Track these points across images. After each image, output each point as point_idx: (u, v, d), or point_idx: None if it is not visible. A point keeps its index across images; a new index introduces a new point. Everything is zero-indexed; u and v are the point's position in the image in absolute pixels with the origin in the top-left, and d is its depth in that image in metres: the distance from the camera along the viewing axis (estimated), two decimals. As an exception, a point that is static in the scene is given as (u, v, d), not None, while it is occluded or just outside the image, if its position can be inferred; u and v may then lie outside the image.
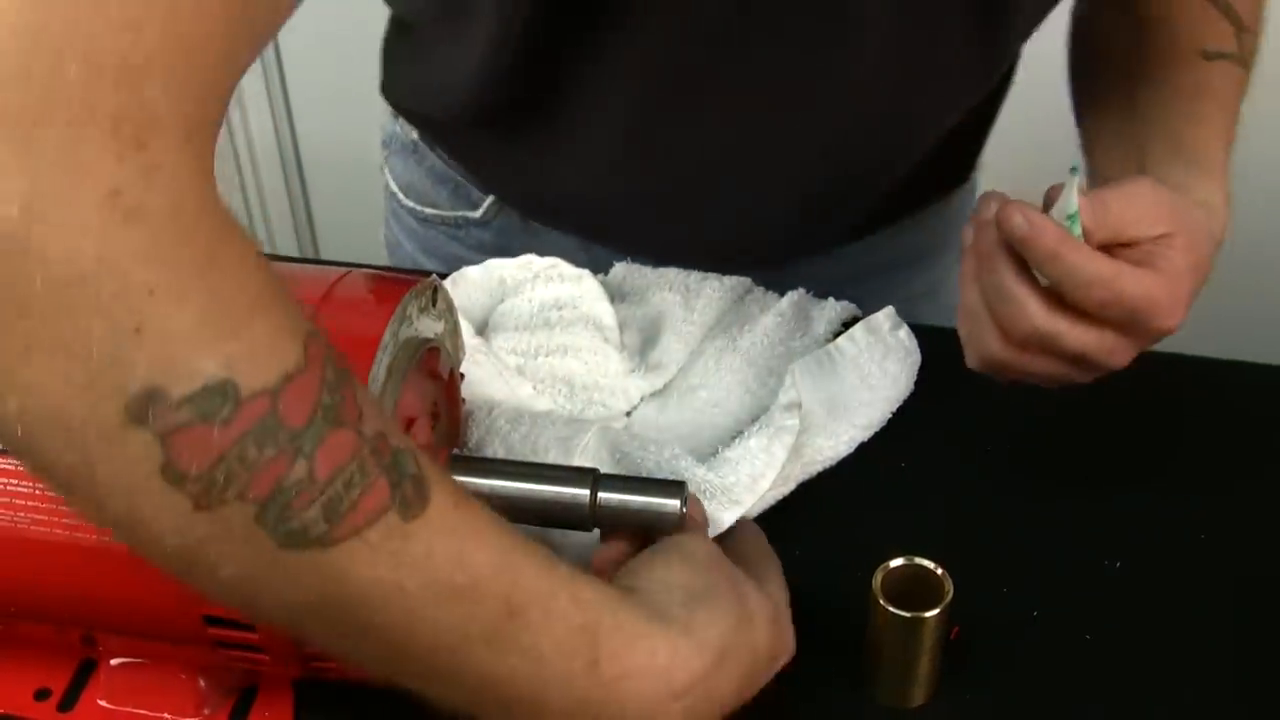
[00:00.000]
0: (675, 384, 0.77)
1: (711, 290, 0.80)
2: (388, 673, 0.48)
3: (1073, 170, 0.61)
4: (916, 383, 0.77)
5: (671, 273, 0.82)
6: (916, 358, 0.77)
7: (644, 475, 0.62)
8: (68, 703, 0.62)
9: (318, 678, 0.59)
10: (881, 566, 0.60)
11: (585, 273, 0.79)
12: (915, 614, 0.59)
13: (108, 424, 0.40)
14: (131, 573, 0.55)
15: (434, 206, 0.92)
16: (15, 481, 0.55)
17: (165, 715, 0.61)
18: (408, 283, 0.59)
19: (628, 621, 0.51)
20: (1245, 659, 0.64)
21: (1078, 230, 0.61)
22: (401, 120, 0.92)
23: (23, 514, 0.55)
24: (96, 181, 0.39)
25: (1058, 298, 0.61)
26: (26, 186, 0.39)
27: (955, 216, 0.94)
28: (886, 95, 0.74)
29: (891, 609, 0.59)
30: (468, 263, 0.83)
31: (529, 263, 0.80)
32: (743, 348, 0.78)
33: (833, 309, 0.80)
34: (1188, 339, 0.69)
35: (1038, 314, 0.61)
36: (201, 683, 0.62)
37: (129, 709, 0.62)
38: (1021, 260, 0.61)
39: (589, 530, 0.60)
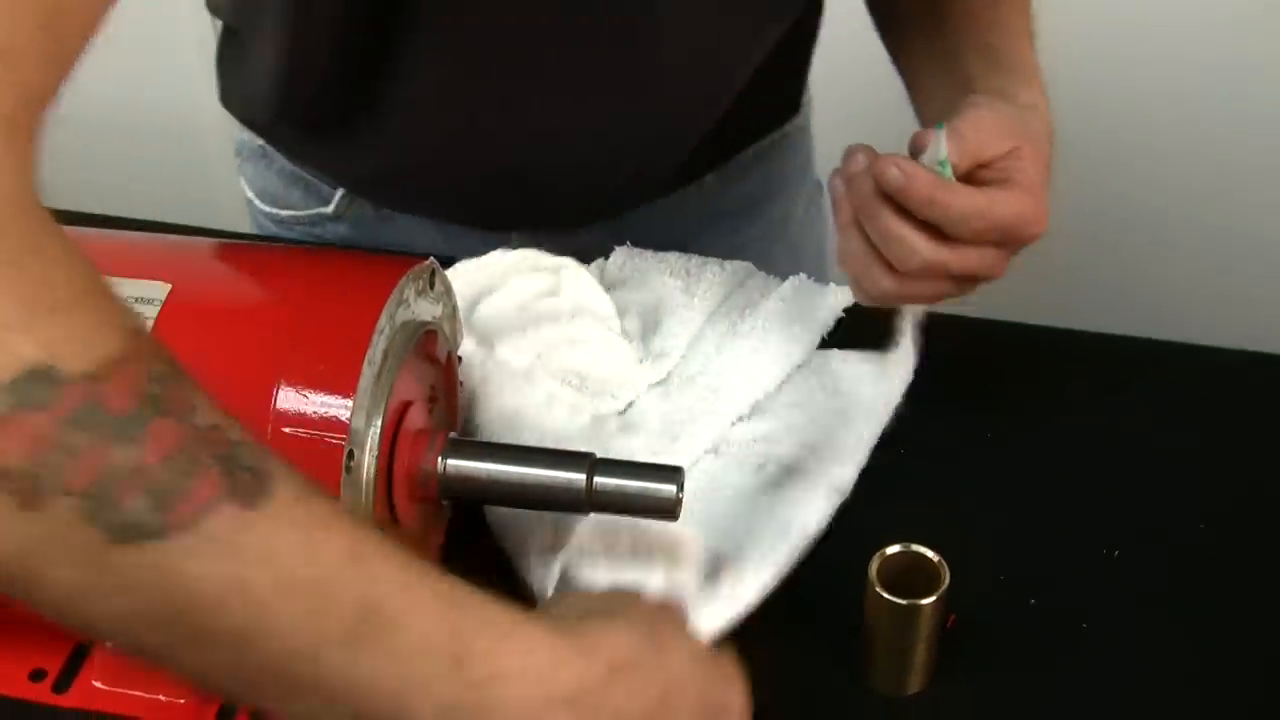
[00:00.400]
0: (676, 371, 0.77)
1: (712, 275, 0.80)
2: (239, 689, 0.46)
3: (938, 125, 0.67)
4: (918, 371, 0.76)
5: (671, 257, 0.82)
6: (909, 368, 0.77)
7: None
8: (63, 684, 0.62)
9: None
10: (878, 554, 0.60)
11: (567, 261, 0.79)
12: (911, 601, 0.59)
13: None
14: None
15: (289, 208, 0.93)
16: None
17: (160, 697, 0.61)
18: (405, 265, 0.59)
19: (497, 618, 0.47)
20: (1244, 650, 0.64)
21: (949, 173, 0.66)
22: (249, 128, 0.92)
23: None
24: None
25: (938, 230, 0.66)
26: None
27: (793, 150, 0.96)
28: (693, 32, 0.75)
29: (888, 596, 0.59)
30: None
31: (500, 258, 0.79)
32: (743, 332, 0.78)
33: (835, 295, 0.80)
34: (1187, 328, 0.69)
35: (924, 248, 0.66)
36: (197, 665, 0.61)
37: (123, 690, 0.61)
38: (899, 203, 0.65)
39: (585, 514, 0.60)
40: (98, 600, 0.42)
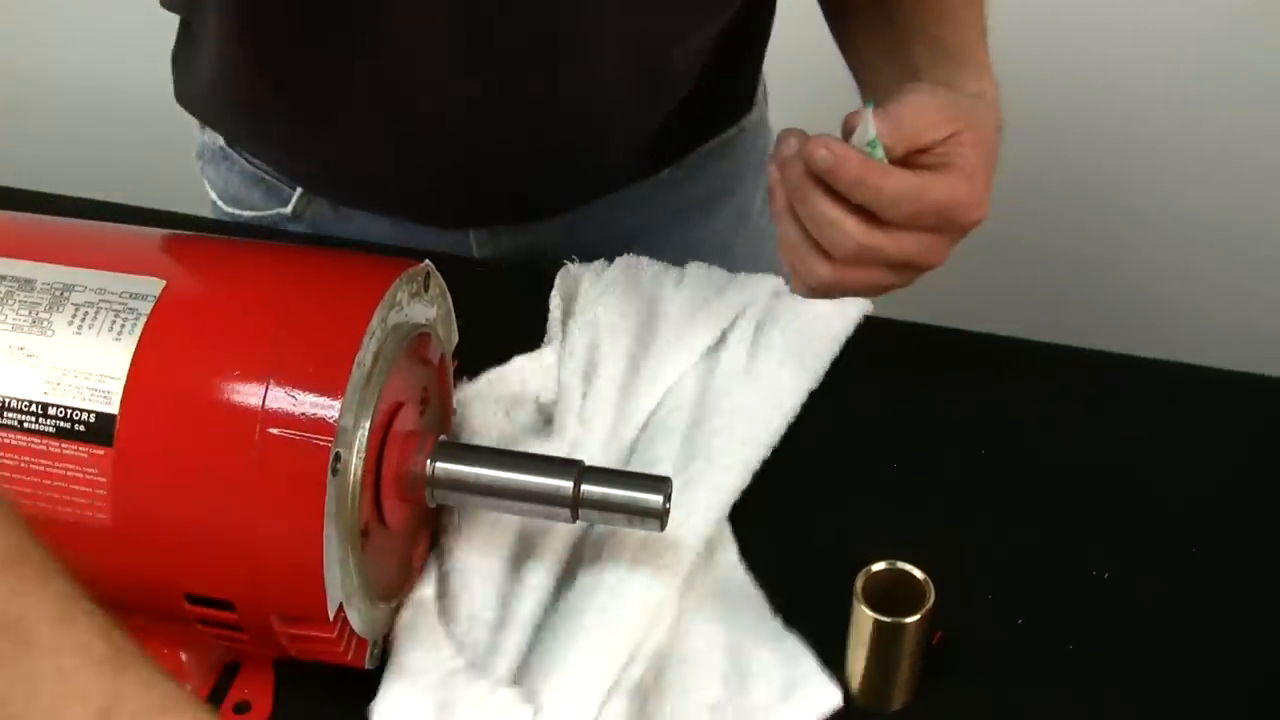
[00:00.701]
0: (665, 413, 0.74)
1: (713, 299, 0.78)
2: None
3: (867, 103, 0.66)
4: (910, 385, 0.76)
5: (674, 273, 0.80)
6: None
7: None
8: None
9: (299, 657, 0.59)
10: (864, 570, 0.60)
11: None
12: (896, 619, 0.59)
13: None
14: (114, 549, 0.56)
15: (251, 209, 0.93)
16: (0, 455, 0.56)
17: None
18: (399, 267, 0.59)
19: (159, 683, 0.43)
20: (1234, 676, 0.64)
21: (880, 154, 0.65)
22: (208, 128, 0.92)
23: (6, 487, 0.55)
24: None
25: (872, 214, 0.65)
26: None
27: (749, 145, 0.96)
28: (621, 23, 0.74)
29: (871, 613, 0.59)
30: None
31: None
32: (758, 374, 0.75)
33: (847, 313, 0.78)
34: (1189, 347, 0.69)
35: (857, 231, 0.65)
36: (184, 657, 0.62)
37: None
38: (832, 187, 0.65)
39: (571, 522, 0.61)
40: None
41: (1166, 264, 1.55)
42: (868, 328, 0.76)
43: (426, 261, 0.62)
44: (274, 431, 0.54)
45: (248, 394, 0.54)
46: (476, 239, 0.91)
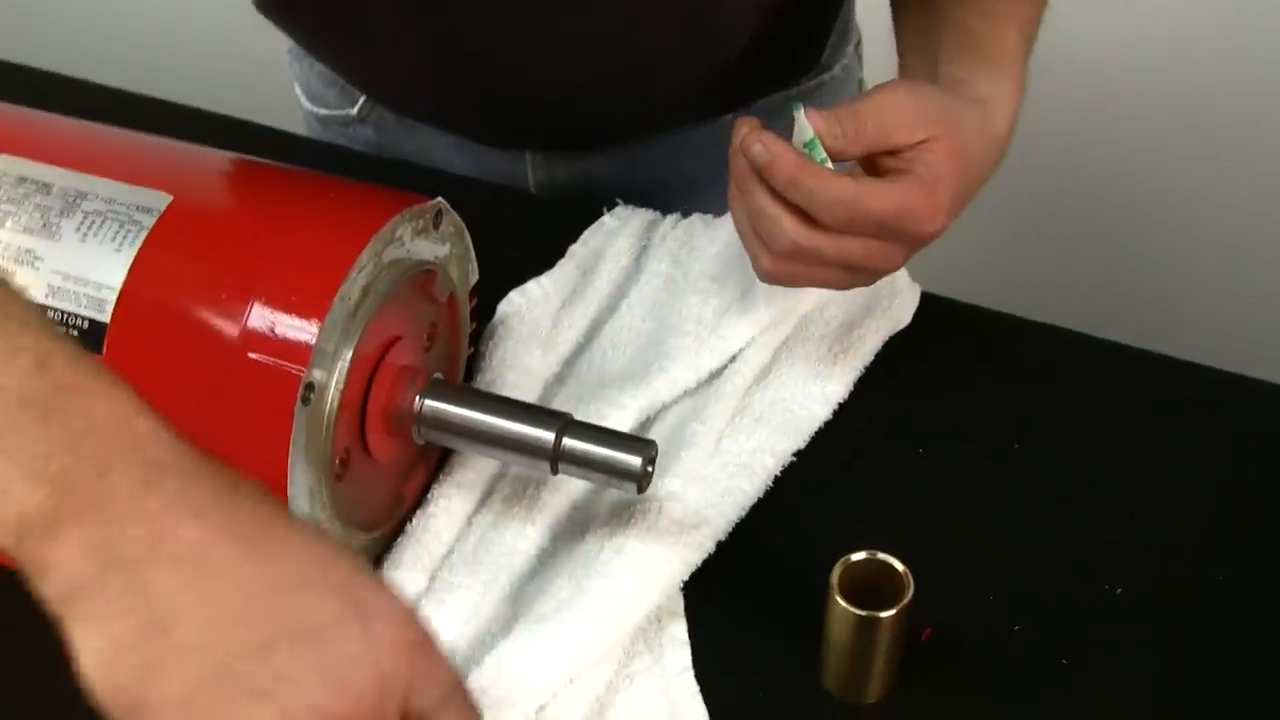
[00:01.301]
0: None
1: None
2: None
3: (794, 104, 0.64)
4: (911, 371, 0.74)
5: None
6: None
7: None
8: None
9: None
10: (842, 560, 0.58)
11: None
12: (870, 613, 0.57)
13: None
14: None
15: (326, 106, 0.94)
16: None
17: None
18: (404, 203, 0.59)
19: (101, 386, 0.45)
20: (1239, 700, 0.61)
21: (819, 154, 0.63)
22: None
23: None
24: None
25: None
26: None
27: (828, 101, 0.91)
28: None
29: (845, 605, 0.57)
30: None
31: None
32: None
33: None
34: (1197, 348, 0.66)
35: (793, 230, 0.63)
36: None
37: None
38: None
39: (552, 474, 0.60)
40: None
41: (1195, 261, 1.50)
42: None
43: (439, 199, 0.62)
44: (251, 355, 0.54)
45: (230, 316, 0.55)
46: (532, 163, 0.90)
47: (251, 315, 0.55)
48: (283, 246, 0.56)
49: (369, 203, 0.59)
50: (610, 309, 0.76)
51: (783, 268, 0.65)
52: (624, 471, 0.59)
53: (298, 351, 0.54)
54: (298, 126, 0.96)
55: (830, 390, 0.72)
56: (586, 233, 0.80)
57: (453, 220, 0.63)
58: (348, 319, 0.56)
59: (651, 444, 0.59)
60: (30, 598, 0.43)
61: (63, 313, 0.57)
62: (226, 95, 0.97)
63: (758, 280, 0.74)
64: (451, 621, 0.61)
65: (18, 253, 0.58)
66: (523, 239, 0.79)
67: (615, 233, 0.80)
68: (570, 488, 0.65)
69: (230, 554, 0.43)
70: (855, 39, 0.95)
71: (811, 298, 0.74)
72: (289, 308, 0.55)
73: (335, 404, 0.56)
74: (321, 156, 0.91)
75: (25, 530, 0.42)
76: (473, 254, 0.66)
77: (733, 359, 0.72)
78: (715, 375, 0.72)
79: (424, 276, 0.61)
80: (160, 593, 0.42)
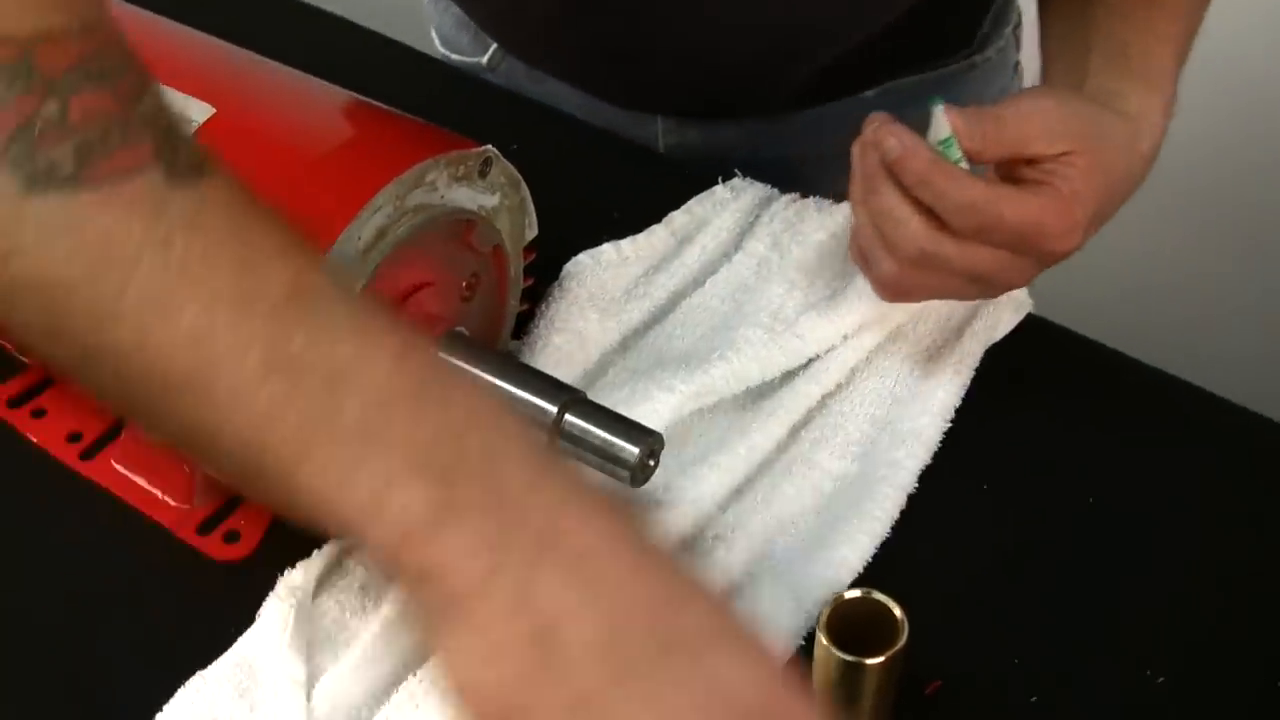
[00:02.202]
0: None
1: None
2: (141, 374, 0.43)
3: (932, 100, 0.60)
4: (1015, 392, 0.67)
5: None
6: None
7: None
8: (90, 453, 0.66)
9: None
10: (835, 596, 0.53)
11: None
12: (855, 658, 0.52)
13: None
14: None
15: (459, 52, 0.92)
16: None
17: (159, 493, 0.64)
18: (440, 148, 0.57)
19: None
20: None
21: (955, 154, 0.60)
22: None
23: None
24: None
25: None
26: None
27: (977, 86, 0.87)
28: None
29: (828, 646, 0.52)
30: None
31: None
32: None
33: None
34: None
35: (921, 234, 0.59)
36: (198, 477, 0.64)
37: (133, 477, 0.65)
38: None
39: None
40: (14, 256, 0.42)
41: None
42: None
43: (488, 147, 0.59)
44: (245, 281, 0.53)
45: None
46: (664, 127, 0.87)
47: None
48: (301, 178, 0.55)
49: (404, 143, 0.57)
50: (696, 284, 0.72)
51: (905, 276, 0.61)
52: (619, 459, 0.55)
53: (291, 284, 0.53)
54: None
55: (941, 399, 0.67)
56: (693, 200, 0.76)
57: (505, 170, 0.61)
58: (355, 258, 0.54)
59: (655, 436, 0.55)
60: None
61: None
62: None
63: (854, 281, 0.69)
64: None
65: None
66: (639, 200, 0.76)
67: (724, 204, 0.76)
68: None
69: (614, 561, 0.41)
70: (1014, 20, 0.89)
71: (905, 310, 0.69)
72: (303, 231, 0.53)
73: (331, 343, 0.55)
74: (460, 85, 0.89)
75: (410, 528, 0.40)
76: (530, 207, 0.63)
77: (807, 365, 0.67)
78: (789, 377, 0.68)
79: (462, 225, 0.59)
80: (547, 596, 0.40)
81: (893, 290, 0.63)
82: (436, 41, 0.95)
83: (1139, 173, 0.64)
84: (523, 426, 0.43)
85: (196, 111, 0.57)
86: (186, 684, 0.55)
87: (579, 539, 0.41)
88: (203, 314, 0.41)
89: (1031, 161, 0.60)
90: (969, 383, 0.67)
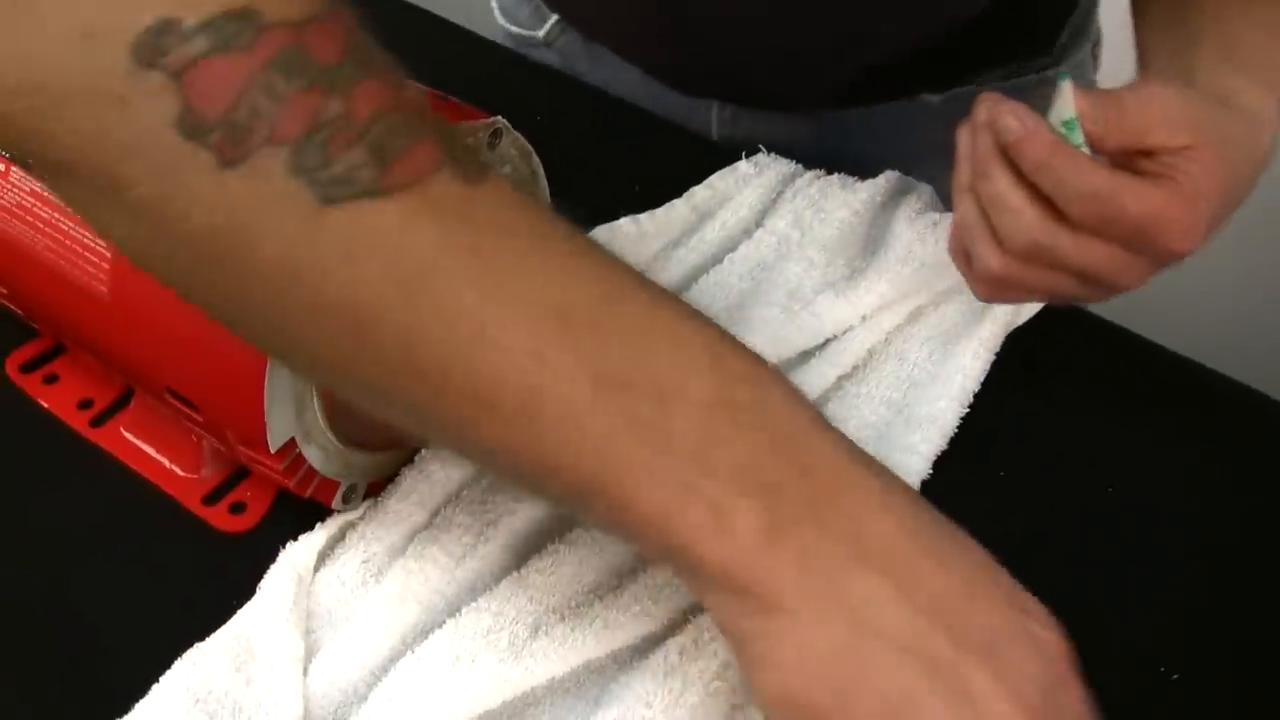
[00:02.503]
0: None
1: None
2: (456, 397, 0.40)
3: (1060, 75, 0.57)
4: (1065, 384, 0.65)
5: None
6: None
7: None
8: (99, 420, 0.65)
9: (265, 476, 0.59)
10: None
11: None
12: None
13: (115, 74, 0.36)
14: (108, 322, 0.57)
15: (518, 24, 0.90)
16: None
17: (166, 462, 0.64)
18: (445, 117, 0.56)
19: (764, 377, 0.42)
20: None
21: (1077, 139, 0.56)
22: None
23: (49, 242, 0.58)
24: None
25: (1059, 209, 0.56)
26: None
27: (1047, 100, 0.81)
28: None
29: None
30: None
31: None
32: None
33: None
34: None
35: (1035, 224, 0.56)
36: (206, 447, 0.63)
37: (142, 445, 0.64)
38: (1018, 168, 0.56)
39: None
40: (313, 276, 0.39)
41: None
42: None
43: (498, 118, 0.58)
44: (245, 251, 0.52)
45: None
46: (719, 116, 0.85)
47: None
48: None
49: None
50: (715, 260, 0.71)
51: (1012, 270, 0.57)
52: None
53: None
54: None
55: (959, 384, 0.65)
56: (715, 176, 0.75)
57: (515, 142, 0.60)
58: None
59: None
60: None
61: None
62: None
63: (874, 261, 0.67)
64: (444, 564, 0.58)
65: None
66: (661, 174, 0.74)
67: (747, 180, 0.75)
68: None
69: (917, 555, 0.41)
70: (1095, 38, 0.85)
71: (926, 292, 0.67)
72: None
73: (332, 315, 0.54)
74: (514, 69, 0.88)
75: (743, 546, 0.40)
76: (543, 179, 0.62)
77: (824, 345, 0.66)
78: (805, 357, 0.66)
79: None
80: (860, 596, 0.40)
81: (995, 287, 0.59)
82: (497, 12, 0.94)
83: (1254, 176, 0.59)
84: (823, 421, 0.42)
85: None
86: (184, 655, 0.55)
87: (882, 533, 0.41)
88: (526, 331, 0.39)
89: (1150, 154, 0.56)
90: (988, 367, 0.65)
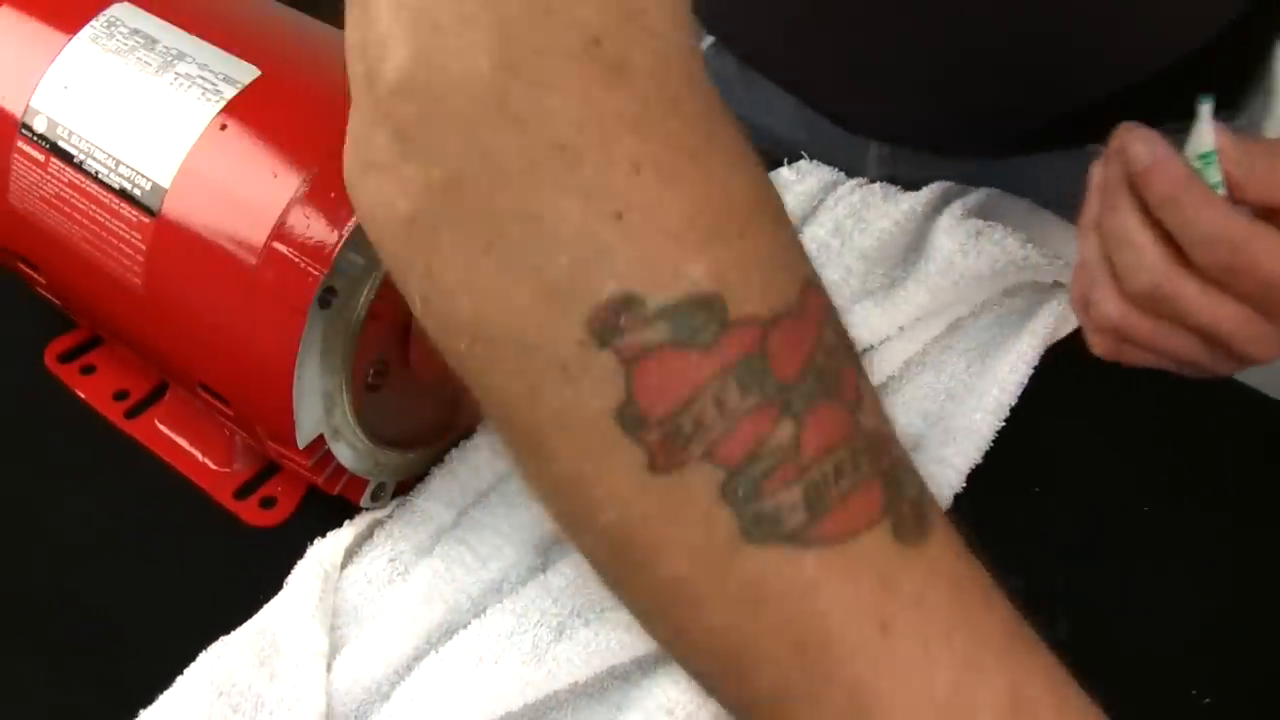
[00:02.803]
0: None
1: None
2: None
3: (1202, 99, 0.50)
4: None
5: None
6: None
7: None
8: (134, 412, 0.66)
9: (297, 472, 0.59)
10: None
11: None
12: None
13: (566, 341, 0.33)
14: (142, 314, 0.58)
15: None
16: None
17: (199, 454, 0.64)
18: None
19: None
20: None
21: (1213, 177, 0.50)
22: None
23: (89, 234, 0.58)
24: (572, 28, 0.33)
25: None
26: (495, 37, 0.33)
27: None
28: None
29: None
30: None
31: None
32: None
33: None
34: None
35: (1157, 265, 0.50)
36: (238, 442, 0.63)
37: (175, 437, 0.65)
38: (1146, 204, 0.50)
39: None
40: (712, 607, 0.35)
41: None
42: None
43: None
44: (277, 246, 0.52)
45: (272, 202, 0.53)
46: (876, 154, 0.80)
47: (293, 207, 0.53)
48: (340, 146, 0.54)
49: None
50: None
51: (1130, 321, 0.52)
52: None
53: (320, 251, 0.52)
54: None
55: (995, 397, 0.64)
56: None
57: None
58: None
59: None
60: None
61: (133, 170, 0.56)
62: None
63: (914, 271, 0.67)
64: (470, 565, 0.58)
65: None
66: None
67: (787, 187, 0.74)
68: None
69: None
70: (1271, 90, 0.80)
71: (966, 304, 0.67)
72: (327, 205, 0.52)
73: (363, 312, 0.54)
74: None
75: None
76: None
77: (861, 354, 0.66)
78: None
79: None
80: None
81: (1113, 339, 0.53)
82: None
83: None
84: None
85: (241, 73, 0.56)
86: (209, 648, 0.55)
87: None
88: None
89: None
90: (1026, 381, 0.64)
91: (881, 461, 0.35)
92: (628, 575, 0.36)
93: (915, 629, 0.34)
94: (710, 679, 0.38)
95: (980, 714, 0.34)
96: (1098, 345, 0.54)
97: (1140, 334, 0.52)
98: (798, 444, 0.33)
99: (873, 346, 0.66)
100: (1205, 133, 0.50)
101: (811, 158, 0.76)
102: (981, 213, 0.72)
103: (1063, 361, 0.66)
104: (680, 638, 0.37)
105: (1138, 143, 0.50)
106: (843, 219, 0.71)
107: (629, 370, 0.33)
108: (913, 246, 0.70)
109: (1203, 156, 0.50)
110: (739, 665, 0.36)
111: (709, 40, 0.83)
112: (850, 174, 0.75)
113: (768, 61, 0.80)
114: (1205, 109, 0.51)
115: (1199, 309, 0.50)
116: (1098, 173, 0.54)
